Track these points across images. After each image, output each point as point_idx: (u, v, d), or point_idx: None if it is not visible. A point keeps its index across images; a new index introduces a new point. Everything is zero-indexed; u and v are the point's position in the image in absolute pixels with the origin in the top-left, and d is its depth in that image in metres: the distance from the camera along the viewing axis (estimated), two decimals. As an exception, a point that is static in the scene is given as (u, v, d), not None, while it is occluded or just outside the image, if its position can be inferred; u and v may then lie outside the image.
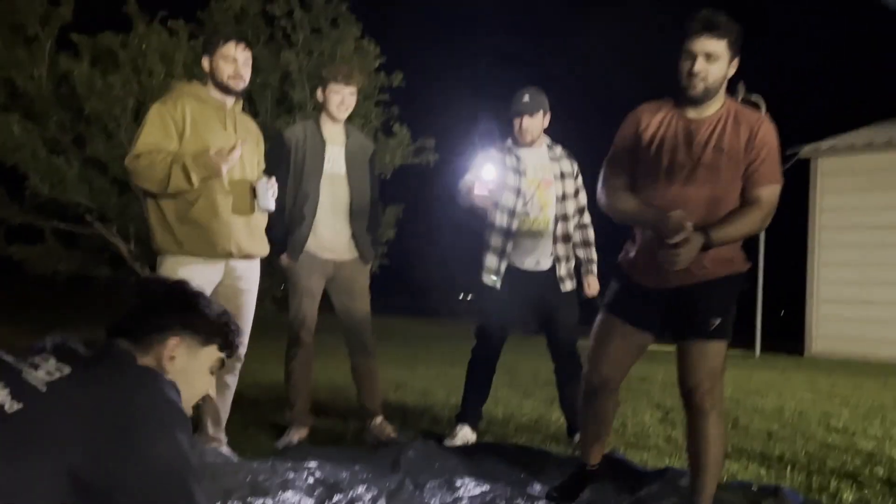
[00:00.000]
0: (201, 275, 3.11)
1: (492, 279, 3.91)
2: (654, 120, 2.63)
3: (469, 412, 3.99)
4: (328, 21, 10.71)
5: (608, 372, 2.76)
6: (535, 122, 3.88)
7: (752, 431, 4.50)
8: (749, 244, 2.73)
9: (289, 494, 2.60)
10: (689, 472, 2.76)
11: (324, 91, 3.79)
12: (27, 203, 10.80)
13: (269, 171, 3.63)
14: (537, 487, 3.03)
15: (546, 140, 4.02)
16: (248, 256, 3.31)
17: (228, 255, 3.22)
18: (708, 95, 2.54)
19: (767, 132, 2.54)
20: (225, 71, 3.22)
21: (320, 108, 3.87)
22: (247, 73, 3.29)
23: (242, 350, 3.15)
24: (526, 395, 5.83)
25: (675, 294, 2.61)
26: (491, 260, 3.92)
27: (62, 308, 12.35)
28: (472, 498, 2.79)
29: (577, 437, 3.86)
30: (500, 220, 3.89)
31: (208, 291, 3.10)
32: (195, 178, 3.04)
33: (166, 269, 3.16)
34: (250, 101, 10.31)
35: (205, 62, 3.27)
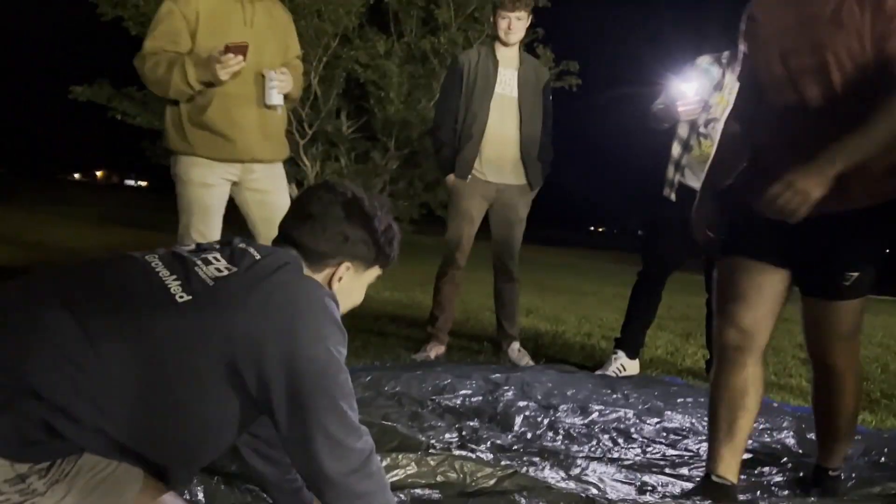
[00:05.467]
0: (215, 175, 2.98)
1: (666, 191, 3.69)
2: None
3: (629, 338, 3.85)
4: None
5: (749, 323, 2.11)
6: None
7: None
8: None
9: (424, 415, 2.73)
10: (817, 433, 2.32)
11: (494, 17, 3.79)
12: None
13: (443, 93, 3.81)
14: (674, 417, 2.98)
15: None
16: (262, 162, 3.09)
17: (241, 161, 3.03)
18: None
19: None
20: None
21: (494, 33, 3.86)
22: None
23: None
24: (660, 327, 5.74)
25: (805, 229, 1.95)
26: (669, 170, 3.70)
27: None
28: (604, 423, 2.82)
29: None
30: (682, 129, 3.64)
31: (224, 191, 3.03)
32: (194, 82, 2.82)
33: (180, 169, 3.00)
34: (396, 19, 10.31)
35: None
